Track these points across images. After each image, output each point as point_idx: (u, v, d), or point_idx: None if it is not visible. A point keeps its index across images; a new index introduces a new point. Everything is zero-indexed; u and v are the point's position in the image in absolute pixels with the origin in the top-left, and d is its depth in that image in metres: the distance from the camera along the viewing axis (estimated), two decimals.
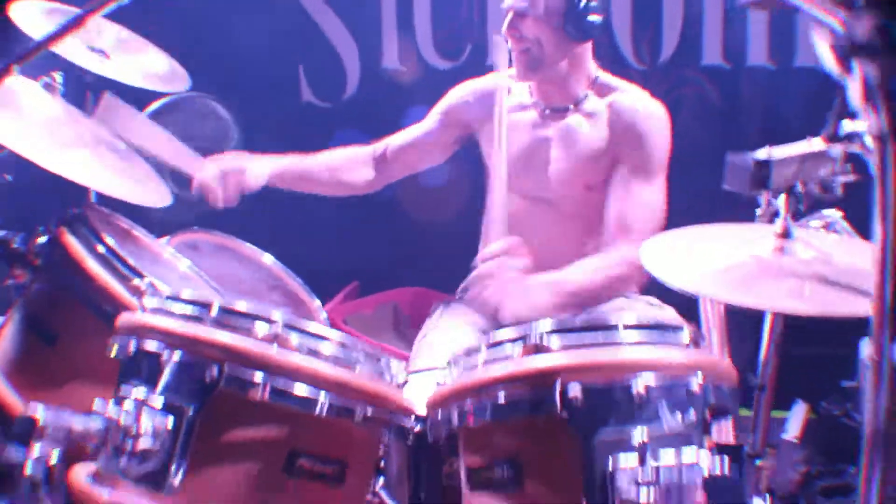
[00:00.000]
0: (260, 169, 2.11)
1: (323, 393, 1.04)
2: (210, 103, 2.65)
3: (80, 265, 1.47)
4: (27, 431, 0.86)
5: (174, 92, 2.23)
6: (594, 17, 1.96)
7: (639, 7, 3.21)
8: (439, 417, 1.07)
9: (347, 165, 2.27)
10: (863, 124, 1.30)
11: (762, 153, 1.26)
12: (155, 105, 2.46)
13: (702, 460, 0.84)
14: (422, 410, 1.25)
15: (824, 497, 2.82)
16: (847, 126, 1.33)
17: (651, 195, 1.93)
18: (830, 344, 2.85)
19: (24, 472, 0.84)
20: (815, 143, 1.32)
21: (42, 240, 1.56)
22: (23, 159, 1.57)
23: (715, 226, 1.42)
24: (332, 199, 2.32)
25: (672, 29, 3.20)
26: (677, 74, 3.17)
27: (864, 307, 0.85)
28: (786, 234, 1.30)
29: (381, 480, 1.51)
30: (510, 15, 1.97)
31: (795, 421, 2.12)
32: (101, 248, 1.49)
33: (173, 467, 1.00)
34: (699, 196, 2.18)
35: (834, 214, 1.57)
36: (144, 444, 0.98)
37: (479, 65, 2.71)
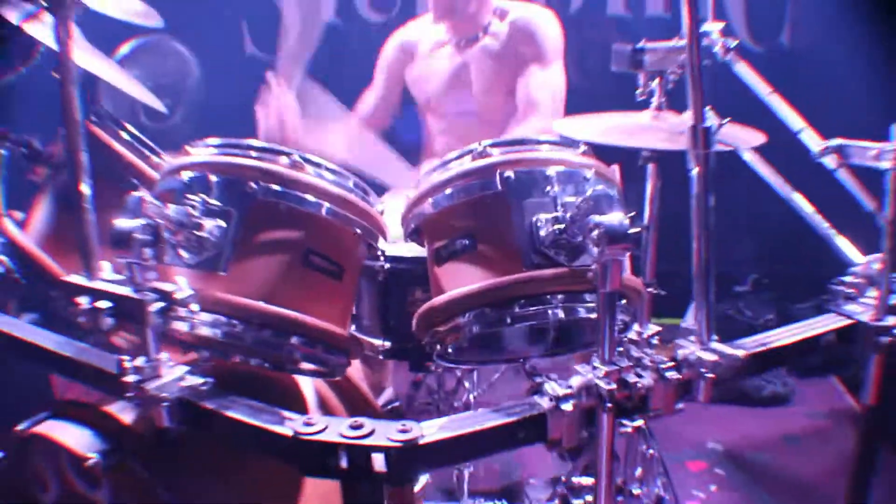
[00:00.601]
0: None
1: (326, 204, 1.49)
2: (173, 43, 3.04)
3: (109, 148, 1.86)
4: (137, 206, 1.29)
5: (148, 28, 2.62)
6: None
7: None
8: (413, 212, 1.53)
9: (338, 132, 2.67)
10: (712, 25, 1.86)
11: (640, 44, 1.78)
12: (126, 47, 2.84)
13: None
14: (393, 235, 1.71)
15: None
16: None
17: (549, 77, 2.49)
18: (725, 264, 3.47)
19: (133, 236, 1.26)
20: (677, 41, 1.84)
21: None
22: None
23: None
24: None
25: None
26: (587, 23, 3.73)
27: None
28: (659, 106, 1.83)
29: (353, 327, 1.97)
30: None
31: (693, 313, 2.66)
32: (124, 135, 1.89)
33: (224, 255, 1.42)
34: None
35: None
36: (202, 235, 1.41)
37: (409, 17, 3.02)
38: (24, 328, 1.71)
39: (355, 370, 2.06)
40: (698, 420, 3.06)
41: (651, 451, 2.22)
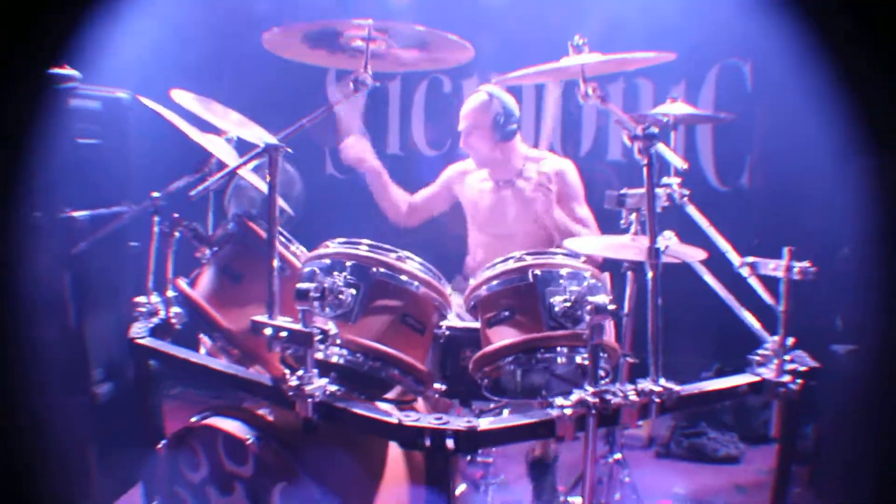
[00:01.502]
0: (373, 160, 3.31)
1: (416, 283, 2.10)
2: (283, 164, 3.71)
3: (260, 236, 2.29)
4: (311, 277, 1.92)
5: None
6: (513, 125, 3.21)
7: (566, 120, 4.50)
8: (473, 294, 2.15)
9: (398, 195, 3.44)
10: (673, 180, 2.52)
11: (622, 191, 2.44)
12: (252, 165, 3.51)
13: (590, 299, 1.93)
14: (454, 312, 2.32)
15: (687, 445, 3.96)
16: (665, 180, 2.54)
17: (583, 211, 3.16)
18: (693, 355, 4.07)
19: (310, 293, 1.89)
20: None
21: (232, 225, 2.36)
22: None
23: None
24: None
25: (588, 134, 4.49)
26: (592, 164, 4.42)
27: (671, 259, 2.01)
28: (635, 232, 2.47)
29: None
30: (462, 133, 3.25)
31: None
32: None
33: (354, 312, 2.02)
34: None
35: (669, 233, 2.74)
36: (342, 298, 2.02)
37: (456, 153, 3.48)
38: (204, 358, 2.32)
39: (420, 406, 2.64)
40: (668, 472, 3.64)
41: (627, 478, 2.76)
